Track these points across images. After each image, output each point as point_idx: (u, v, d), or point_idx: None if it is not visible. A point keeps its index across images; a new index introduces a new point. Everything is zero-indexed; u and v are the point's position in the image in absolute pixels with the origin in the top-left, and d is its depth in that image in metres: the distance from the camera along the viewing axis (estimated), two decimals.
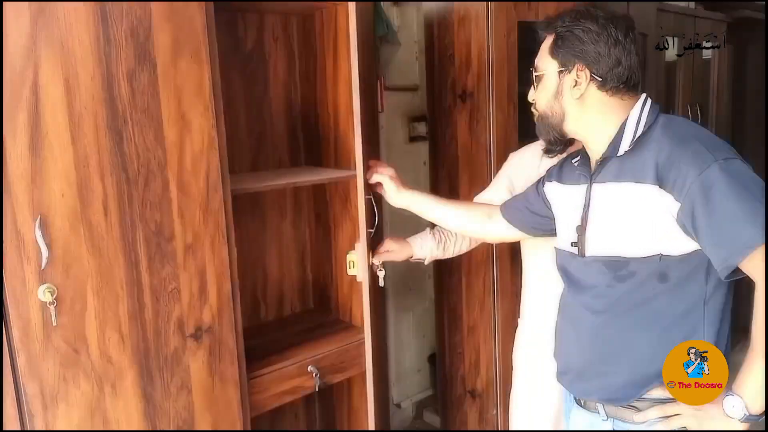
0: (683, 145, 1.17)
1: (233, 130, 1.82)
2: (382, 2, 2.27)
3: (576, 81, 1.28)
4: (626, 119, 1.26)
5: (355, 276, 1.78)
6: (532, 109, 1.41)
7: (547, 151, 1.43)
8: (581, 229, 1.33)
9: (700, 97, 3.34)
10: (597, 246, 1.30)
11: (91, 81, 1.20)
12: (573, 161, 1.41)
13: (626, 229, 1.24)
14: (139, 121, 1.27)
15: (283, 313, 2.04)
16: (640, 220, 1.21)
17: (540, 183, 1.53)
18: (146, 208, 1.30)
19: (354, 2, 1.60)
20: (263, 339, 1.84)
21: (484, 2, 2.03)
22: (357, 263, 1.72)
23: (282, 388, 1.65)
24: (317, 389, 1.71)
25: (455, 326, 2.42)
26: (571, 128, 1.33)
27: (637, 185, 1.21)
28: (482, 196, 1.75)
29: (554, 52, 1.30)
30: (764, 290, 1.08)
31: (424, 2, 2.36)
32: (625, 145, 1.25)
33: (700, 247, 1.17)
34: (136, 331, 1.31)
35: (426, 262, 1.78)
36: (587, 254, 1.31)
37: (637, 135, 1.24)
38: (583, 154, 1.38)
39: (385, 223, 2.18)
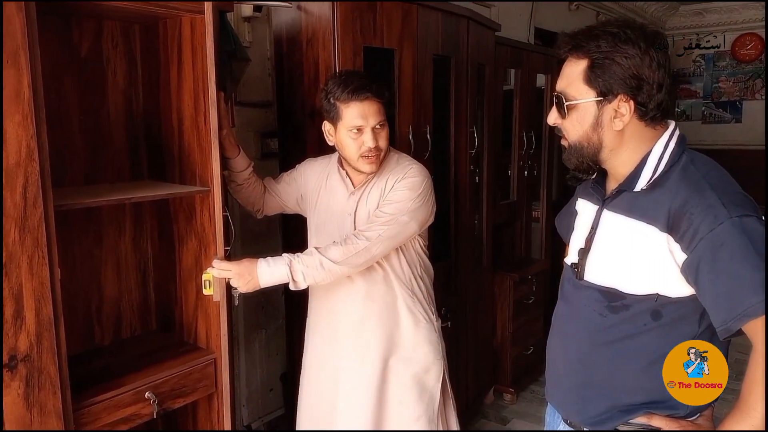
0: (700, 194, 1.13)
1: (65, 141, 1.70)
2: (229, 16, 2.23)
3: (617, 111, 1.18)
4: (648, 154, 1.20)
5: (204, 295, 1.72)
6: (560, 135, 1.29)
7: (575, 180, 1.33)
8: (584, 252, 1.30)
9: (535, 125, 3.65)
10: (595, 273, 1.27)
11: None
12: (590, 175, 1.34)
13: (627, 265, 1.21)
14: None
15: (121, 335, 1.91)
16: (643, 259, 1.18)
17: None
18: None
19: (210, 11, 1.58)
20: (96, 365, 1.71)
21: (330, 25, 2.06)
22: (213, 282, 1.68)
23: (115, 417, 1.54)
24: (156, 416, 1.62)
25: None
26: (606, 157, 1.24)
27: (647, 226, 1.17)
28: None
29: (591, 80, 1.18)
30: (763, 358, 1.06)
31: (273, 18, 2.37)
32: (641, 183, 1.20)
33: None
34: None
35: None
36: (584, 278, 1.29)
37: (656, 176, 1.19)
38: (600, 170, 1.31)
39: (236, 240, 2.14)
